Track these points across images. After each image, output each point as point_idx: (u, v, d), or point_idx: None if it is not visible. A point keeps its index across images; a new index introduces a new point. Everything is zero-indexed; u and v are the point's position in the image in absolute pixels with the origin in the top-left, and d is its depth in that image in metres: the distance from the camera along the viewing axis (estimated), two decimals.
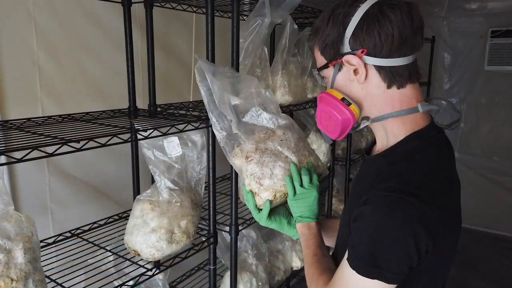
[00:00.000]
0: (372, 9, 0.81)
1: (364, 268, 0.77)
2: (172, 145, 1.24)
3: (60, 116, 1.30)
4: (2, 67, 1.30)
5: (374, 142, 0.98)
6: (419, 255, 0.75)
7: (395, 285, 0.77)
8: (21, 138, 0.97)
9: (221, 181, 2.00)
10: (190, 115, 1.46)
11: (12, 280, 0.90)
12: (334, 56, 0.86)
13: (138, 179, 1.54)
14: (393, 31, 0.80)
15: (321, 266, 0.98)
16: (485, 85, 3.94)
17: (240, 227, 1.51)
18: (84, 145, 0.94)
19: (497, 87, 3.89)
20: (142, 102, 1.62)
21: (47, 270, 1.14)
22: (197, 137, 1.30)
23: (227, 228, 1.49)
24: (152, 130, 1.13)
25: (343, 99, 0.86)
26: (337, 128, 0.88)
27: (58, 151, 0.90)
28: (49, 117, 1.28)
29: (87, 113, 1.37)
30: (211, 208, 1.40)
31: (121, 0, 1.41)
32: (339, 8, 0.85)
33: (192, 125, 1.26)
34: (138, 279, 1.20)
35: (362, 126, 0.90)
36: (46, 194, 1.50)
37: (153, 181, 1.29)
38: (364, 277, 0.77)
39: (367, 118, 0.89)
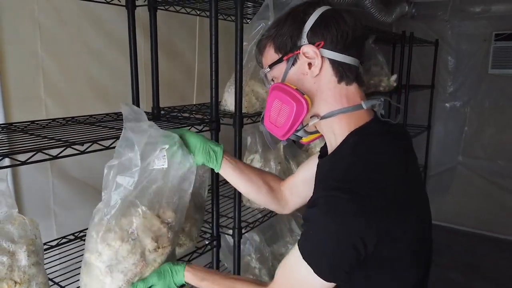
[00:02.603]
0: (328, 11, 0.89)
1: (312, 262, 0.80)
2: None
3: (64, 118, 1.30)
4: (6, 69, 1.31)
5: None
6: (360, 250, 0.77)
7: (332, 284, 0.80)
8: (25, 141, 0.97)
9: (224, 184, 1.99)
10: (194, 118, 1.46)
11: (15, 282, 0.90)
12: (291, 49, 0.89)
13: None
14: (347, 30, 0.87)
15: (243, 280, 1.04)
16: (489, 88, 3.93)
17: (243, 231, 1.51)
18: (88, 147, 0.94)
19: (501, 91, 3.88)
20: (145, 105, 1.62)
21: (51, 273, 1.14)
22: None
23: (230, 231, 1.49)
24: None
25: (296, 89, 0.88)
26: (289, 119, 0.87)
27: (62, 154, 0.90)
28: (53, 119, 1.28)
29: (91, 115, 1.37)
30: (214, 211, 1.40)
31: (125, 3, 1.42)
32: (295, 10, 0.91)
33: (196, 128, 1.26)
34: None
35: (310, 124, 0.92)
36: (50, 197, 1.50)
37: None
38: (311, 269, 0.80)
39: (317, 116, 0.91)
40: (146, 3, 1.48)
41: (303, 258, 0.81)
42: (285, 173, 1.75)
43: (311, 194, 0.86)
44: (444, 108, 4.19)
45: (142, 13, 1.57)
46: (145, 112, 1.52)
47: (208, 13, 1.29)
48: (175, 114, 1.58)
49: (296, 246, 0.84)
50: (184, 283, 1.04)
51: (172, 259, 1.08)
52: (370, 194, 0.77)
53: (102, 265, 0.95)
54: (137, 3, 1.45)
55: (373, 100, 0.90)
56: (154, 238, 0.99)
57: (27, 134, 1.07)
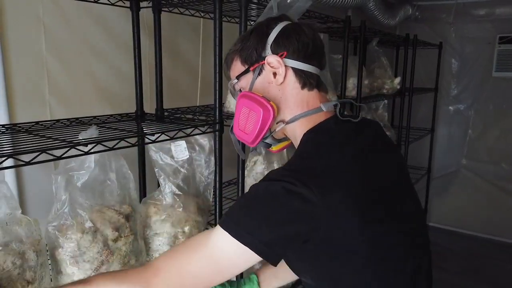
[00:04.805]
0: (289, 24, 0.96)
1: (237, 231, 0.79)
2: (180, 149, 1.24)
3: (68, 119, 1.31)
4: (11, 70, 1.31)
5: None
6: (292, 229, 0.78)
7: (249, 251, 0.78)
8: (29, 141, 0.97)
9: (227, 186, 1.99)
10: (197, 119, 1.46)
11: (28, 282, 0.91)
12: (257, 60, 0.95)
13: (145, 183, 1.54)
14: (308, 41, 0.94)
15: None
16: (493, 91, 3.92)
17: None
18: (92, 148, 0.95)
19: (505, 94, 3.87)
20: (149, 107, 1.63)
21: None
22: (205, 141, 1.30)
23: None
24: (160, 134, 1.13)
25: (263, 96, 0.92)
26: (256, 125, 0.91)
27: (66, 154, 0.91)
28: (57, 120, 1.29)
29: (94, 117, 1.37)
30: (217, 213, 1.40)
31: (130, 5, 1.42)
32: (259, 25, 0.98)
33: (199, 130, 1.26)
34: None
35: (277, 129, 0.95)
36: (54, 198, 1.50)
37: (159, 185, 1.29)
38: (226, 233, 0.79)
39: (283, 121, 0.95)
40: (150, 4, 1.48)
41: (220, 224, 0.81)
42: None
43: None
44: (448, 111, 4.18)
45: (146, 15, 1.57)
46: (148, 113, 1.54)
47: (212, 15, 1.29)
48: (178, 115, 1.58)
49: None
50: None
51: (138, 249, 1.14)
52: (312, 183, 0.77)
53: (67, 257, 1.02)
54: (141, 4, 1.45)
55: (331, 102, 0.96)
56: (114, 228, 1.08)
57: (31, 134, 1.07)
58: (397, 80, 2.83)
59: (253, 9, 1.70)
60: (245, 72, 0.97)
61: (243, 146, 1.16)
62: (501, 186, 3.97)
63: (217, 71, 1.29)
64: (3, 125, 1.20)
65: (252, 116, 0.92)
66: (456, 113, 4.15)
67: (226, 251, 0.81)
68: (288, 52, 0.92)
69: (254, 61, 0.95)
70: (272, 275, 1.20)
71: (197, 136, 1.29)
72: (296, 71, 0.93)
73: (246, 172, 1.65)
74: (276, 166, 1.72)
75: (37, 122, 1.23)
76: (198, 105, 1.92)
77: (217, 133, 1.33)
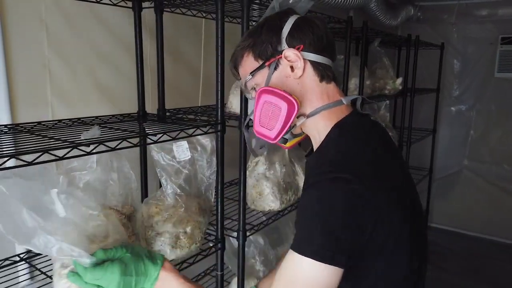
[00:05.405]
0: (301, 18, 0.95)
1: (312, 251, 0.78)
2: (181, 149, 1.24)
3: (70, 119, 1.31)
4: (13, 70, 1.31)
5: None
6: (361, 228, 0.78)
7: (338, 268, 0.78)
8: (32, 141, 0.97)
9: (229, 186, 1.99)
10: (199, 119, 1.46)
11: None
12: (272, 54, 0.93)
13: (146, 183, 1.54)
14: (322, 34, 0.94)
15: None
16: (495, 92, 3.92)
17: (248, 233, 1.50)
18: (94, 148, 0.95)
19: (507, 94, 3.86)
20: (151, 107, 1.63)
21: None
22: (207, 141, 1.30)
23: (235, 234, 1.49)
24: (162, 134, 1.13)
25: (284, 91, 0.91)
26: (281, 120, 0.90)
27: (68, 155, 0.91)
28: (59, 120, 1.29)
29: (96, 117, 1.37)
30: (219, 214, 1.40)
31: (132, 5, 1.42)
32: (270, 19, 0.97)
33: (201, 130, 1.26)
34: None
35: (298, 124, 0.95)
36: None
37: (161, 185, 1.29)
38: (312, 260, 0.77)
39: (303, 115, 0.94)
40: (152, 5, 1.49)
41: (300, 252, 0.79)
42: (290, 176, 1.74)
43: None
44: (450, 111, 4.17)
45: (148, 15, 1.57)
46: (150, 113, 1.54)
47: (214, 16, 1.29)
48: (180, 115, 1.59)
49: (289, 254, 0.82)
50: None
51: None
52: (363, 177, 0.79)
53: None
54: (143, 5, 1.45)
55: (351, 96, 0.97)
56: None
57: (33, 135, 1.07)
58: (399, 80, 2.83)
59: (255, 9, 1.70)
60: (260, 67, 0.95)
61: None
62: (502, 187, 3.96)
63: (219, 71, 1.29)
64: (5, 125, 1.20)
65: (276, 111, 0.90)
66: (458, 113, 4.15)
67: (318, 277, 0.79)
68: (305, 45, 0.92)
69: (269, 56, 0.94)
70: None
71: (199, 137, 1.29)
72: (314, 63, 0.93)
73: (247, 173, 1.65)
74: (277, 166, 1.72)
75: (39, 122, 1.23)
76: (200, 105, 1.92)
77: (219, 133, 1.33)
